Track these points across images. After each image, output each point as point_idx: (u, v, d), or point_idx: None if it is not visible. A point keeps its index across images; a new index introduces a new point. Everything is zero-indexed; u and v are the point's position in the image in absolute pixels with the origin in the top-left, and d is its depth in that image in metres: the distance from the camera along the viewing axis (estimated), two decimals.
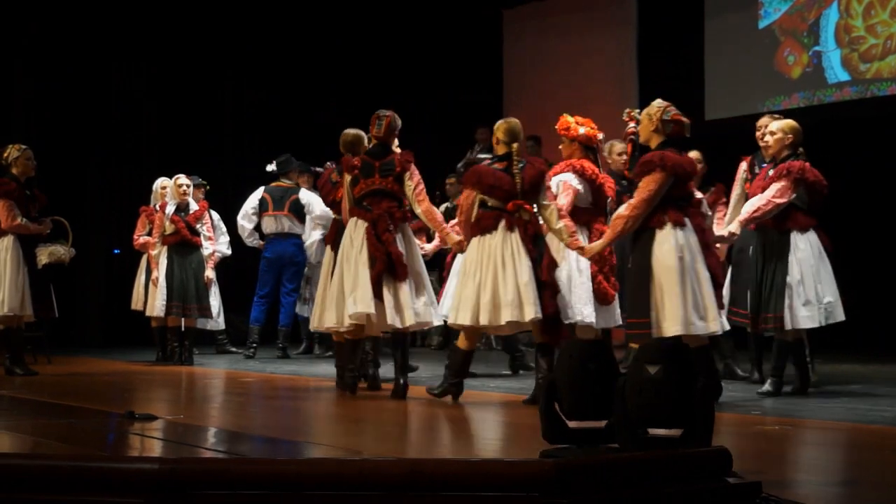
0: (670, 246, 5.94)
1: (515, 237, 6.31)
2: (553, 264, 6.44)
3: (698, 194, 6.34)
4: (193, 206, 9.88)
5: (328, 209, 8.40)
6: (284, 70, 13.47)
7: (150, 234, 9.95)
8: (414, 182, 6.87)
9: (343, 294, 6.83)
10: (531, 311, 6.21)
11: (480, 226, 6.42)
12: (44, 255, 8.83)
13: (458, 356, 6.60)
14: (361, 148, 7.27)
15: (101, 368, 9.53)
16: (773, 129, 6.74)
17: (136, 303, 10.30)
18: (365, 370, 7.30)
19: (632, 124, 7.27)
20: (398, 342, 6.90)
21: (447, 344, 9.61)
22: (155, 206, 10.09)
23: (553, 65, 13.06)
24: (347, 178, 7.04)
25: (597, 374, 3.82)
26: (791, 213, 6.61)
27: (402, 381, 6.76)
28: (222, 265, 10.51)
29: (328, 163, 8.33)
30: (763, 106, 10.90)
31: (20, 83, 12.42)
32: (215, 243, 10.09)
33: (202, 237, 9.85)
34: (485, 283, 6.30)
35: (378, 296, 6.68)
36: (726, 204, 7.35)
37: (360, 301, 6.70)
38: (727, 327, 6.33)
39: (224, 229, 10.53)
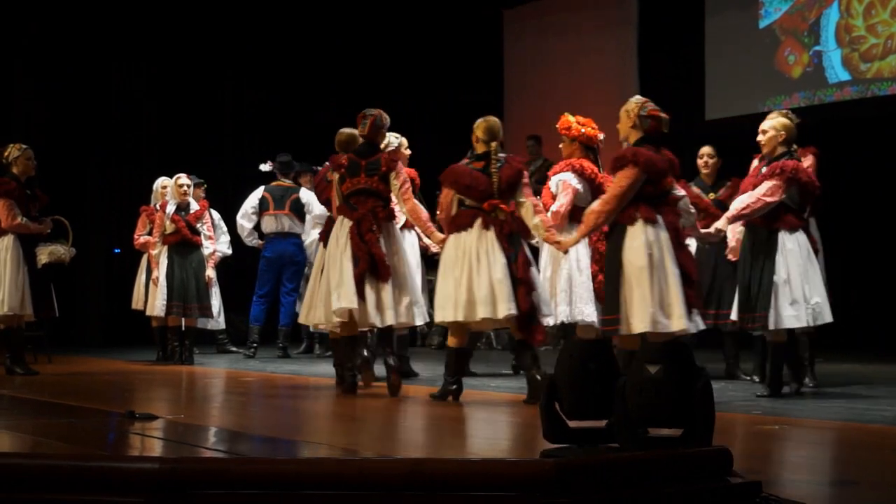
0: (640, 242, 5.94)
1: (491, 235, 6.32)
2: (528, 262, 6.40)
3: (680, 191, 6.26)
4: (194, 206, 9.88)
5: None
6: (284, 70, 13.48)
7: (150, 233, 9.95)
8: (400, 181, 6.90)
9: (330, 291, 6.87)
10: (504, 308, 6.21)
11: (456, 223, 6.43)
12: (44, 255, 8.82)
13: (451, 355, 6.59)
14: (355, 147, 7.29)
15: (102, 368, 9.53)
16: (766, 128, 6.64)
17: (137, 302, 10.30)
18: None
19: None
20: (384, 338, 6.95)
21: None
22: (155, 205, 10.10)
23: (553, 64, 13.05)
24: (335, 176, 7.07)
25: (597, 373, 3.82)
26: (781, 213, 6.48)
27: (394, 374, 6.76)
28: (222, 265, 10.52)
29: (327, 162, 8.34)
30: (763, 106, 10.90)
31: (20, 83, 12.43)
32: (216, 243, 10.09)
33: (202, 237, 9.85)
34: (460, 279, 6.31)
35: (361, 294, 6.71)
36: None
37: (343, 297, 6.74)
38: (701, 326, 6.18)
39: (224, 229, 10.54)
